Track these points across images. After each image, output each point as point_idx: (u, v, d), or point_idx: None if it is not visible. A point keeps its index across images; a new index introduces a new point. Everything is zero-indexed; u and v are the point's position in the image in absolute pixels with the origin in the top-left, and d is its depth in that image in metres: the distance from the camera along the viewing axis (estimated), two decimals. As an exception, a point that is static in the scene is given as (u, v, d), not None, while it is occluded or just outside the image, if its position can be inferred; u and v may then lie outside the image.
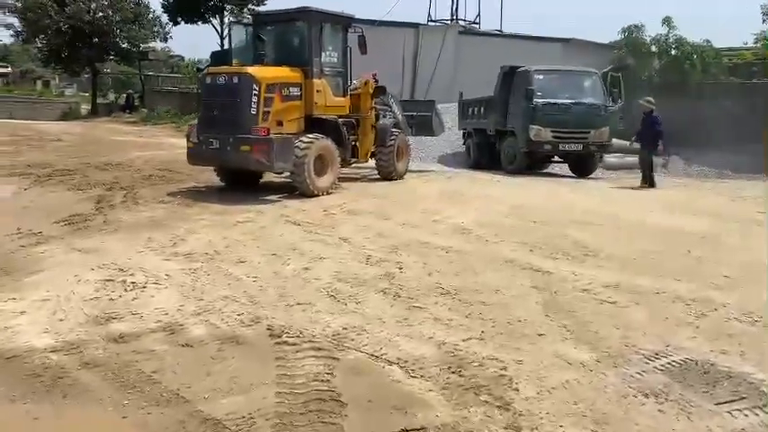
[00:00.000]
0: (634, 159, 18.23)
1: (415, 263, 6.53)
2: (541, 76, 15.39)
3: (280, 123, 10.23)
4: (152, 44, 39.55)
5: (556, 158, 16.28)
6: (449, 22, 27.03)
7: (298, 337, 4.55)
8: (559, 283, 5.97)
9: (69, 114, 35.74)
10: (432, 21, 27.68)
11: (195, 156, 10.70)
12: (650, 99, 13.42)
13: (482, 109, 17.31)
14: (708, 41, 19.68)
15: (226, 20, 32.73)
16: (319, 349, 4.35)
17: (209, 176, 12.15)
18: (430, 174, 14.66)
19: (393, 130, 12.62)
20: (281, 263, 6.37)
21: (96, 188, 10.58)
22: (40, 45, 36.08)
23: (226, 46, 33.72)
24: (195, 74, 42.66)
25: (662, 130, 13.14)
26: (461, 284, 5.83)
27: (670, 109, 19.36)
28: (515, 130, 15.46)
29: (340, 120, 11.24)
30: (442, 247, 7.19)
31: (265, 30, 11.38)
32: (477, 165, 17.25)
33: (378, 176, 12.83)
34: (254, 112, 9.86)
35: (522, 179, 14.14)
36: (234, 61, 11.07)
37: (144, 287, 5.52)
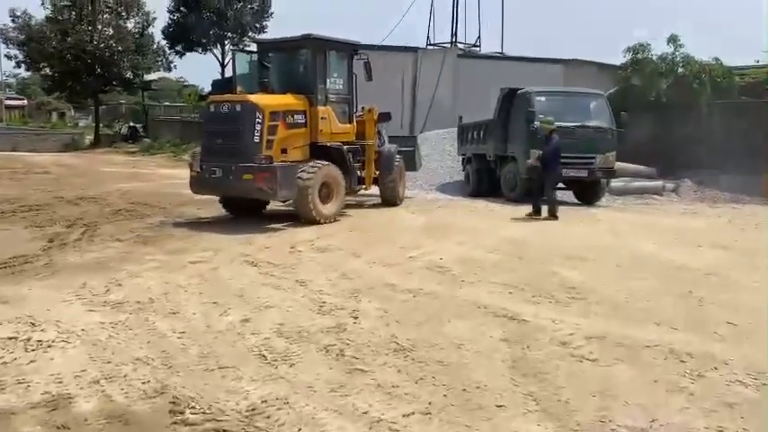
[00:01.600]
0: (641, 184, 17.45)
1: (374, 310, 5.75)
2: (543, 98, 14.58)
3: (284, 151, 10.14)
4: (155, 74, 39.36)
5: (560, 185, 15.42)
6: (449, 45, 26.46)
7: (204, 413, 3.77)
8: (535, 334, 5.16)
9: (71, 145, 35.47)
10: (431, 45, 27.09)
11: (198, 184, 10.45)
12: (550, 119, 12.23)
13: (481, 133, 16.51)
14: (717, 59, 18.82)
15: (227, 49, 32.45)
16: (223, 431, 3.57)
17: (183, 210, 11.53)
18: (423, 203, 13.91)
19: (397, 155, 12.62)
20: (219, 313, 5.61)
21: (57, 225, 9.92)
22: (44, 74, 35.85)
23: (227, 74, 33.66)
24: (197, 102, 42.61)
25: (559, 154, 11.88)
26: (421, 338, 5.03)
27: (680, 130, 18.64)
28: (516, 155, 14.65)
29: (345, 147, 11.12)
30: (410, 289, 6.41)
31: (269, 57, 11.33)
32: (476, 192, 16.37)
33: (377, 203, 12.78)
34: (257, 140, 9.74)
35: (521, 208, 13.31)
36: (238, 89, 10.89)
37: (49, 346, 4.77)
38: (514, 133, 14.83)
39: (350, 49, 11.49)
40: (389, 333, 5.16)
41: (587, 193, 14.71)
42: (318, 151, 10.63)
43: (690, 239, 9.71)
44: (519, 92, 15.02)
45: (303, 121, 10.43)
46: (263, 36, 32.76)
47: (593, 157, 13.90)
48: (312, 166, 10.07)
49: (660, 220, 12.22)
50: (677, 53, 18.80)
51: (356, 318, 5.53)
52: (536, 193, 12.01)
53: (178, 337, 5.01)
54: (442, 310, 5.78)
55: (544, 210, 11.65)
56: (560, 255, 8.24)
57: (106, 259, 7.63)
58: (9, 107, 58.50)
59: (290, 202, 10.42)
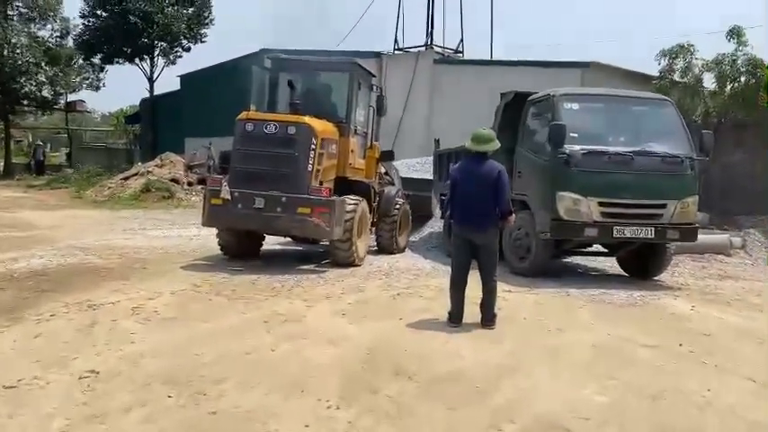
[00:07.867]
0: (709, 238, 11.89)
1: None
2: (576, 106, 8.80)
3: (320, 184, 9.04)
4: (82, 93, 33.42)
5: (599, 247, 9.80)
6: (423, 49, 20.97)
7: None
8: None
9: (-24, 178, 29.44)
10: (399, 49, 21.52)
11: (224, 216, 8.86)
12: (487, 133, 6.33)
13: (469, 165, 10.93)
14: (793, 61, 13.58)
15: (157, 62, 27.05)
16: None
17: None
18: (372, 278, 8.26)
19: (398, 199, 11.10)
20: None
21: None
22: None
23: (156, 91, 28.22)
24: (124, 127, 36.81)
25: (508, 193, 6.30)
26: None
27: (741, 161, 13.43)
28: (529, 200, 8.97)
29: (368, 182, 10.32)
30: None
31: (292, 76, 9.87)
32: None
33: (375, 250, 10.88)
34: (309, 168, 8.82)
35: (542, 291, 7.75)
36: (252, 109, 9.49)
37: None
38: (526, 165, 9.20)
39: (371, 80, 10.79)
40: None
41: (646, 262, 9.11)
42: (342, 186, 9.53)
43: None
44: (531, 97, 9.48)
45: (335, 152, 9.47)
46: (197, 45, 27.62)
47: (664, 206, 8.33)
48: (353, 201, 9.14)
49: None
50: (739, 53, 13.47)
51: None
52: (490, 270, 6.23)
53: None
54: None
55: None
56: None
57: None
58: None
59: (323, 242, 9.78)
